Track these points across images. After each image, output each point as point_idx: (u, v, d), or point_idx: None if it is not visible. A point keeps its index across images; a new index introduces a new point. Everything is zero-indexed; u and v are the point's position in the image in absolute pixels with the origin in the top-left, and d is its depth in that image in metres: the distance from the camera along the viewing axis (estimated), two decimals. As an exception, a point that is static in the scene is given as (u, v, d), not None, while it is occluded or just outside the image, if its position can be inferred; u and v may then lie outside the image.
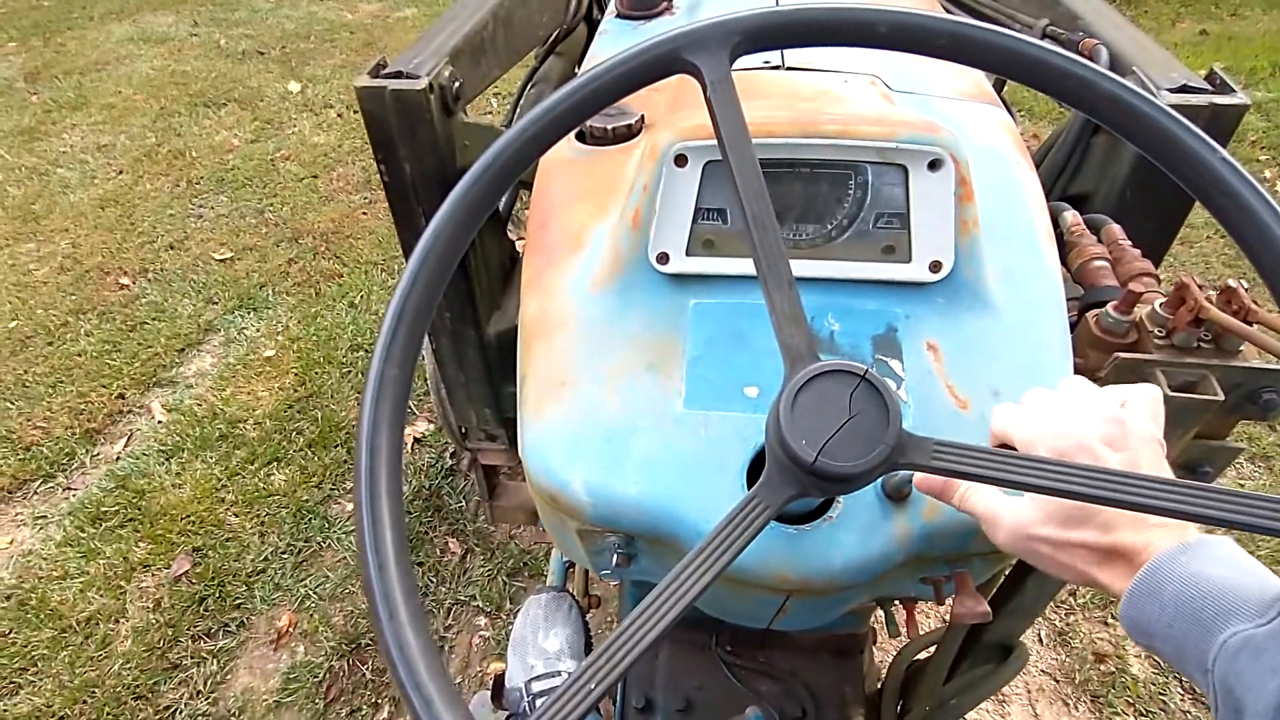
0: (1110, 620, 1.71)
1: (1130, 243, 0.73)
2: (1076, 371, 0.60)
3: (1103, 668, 1.62)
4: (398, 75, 0.85)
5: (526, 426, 0.61)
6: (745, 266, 0.62)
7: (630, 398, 0.59)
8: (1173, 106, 0.73)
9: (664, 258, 0.62)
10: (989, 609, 0.58)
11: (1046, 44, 0.43)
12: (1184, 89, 0.75)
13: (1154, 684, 1.60)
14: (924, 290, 0.62)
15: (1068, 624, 1.70)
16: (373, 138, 0.86)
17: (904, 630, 0.79)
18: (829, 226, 0.62)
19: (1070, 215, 0.78)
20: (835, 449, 0.36)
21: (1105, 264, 0.71)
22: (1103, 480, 0.35)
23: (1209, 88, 0.76)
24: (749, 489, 0.55)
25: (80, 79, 3.99)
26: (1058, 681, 1.61)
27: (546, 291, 0.65)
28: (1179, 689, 1.60)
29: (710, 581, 0.36)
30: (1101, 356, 0.62)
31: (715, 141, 0.57)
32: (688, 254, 0.62)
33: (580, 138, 0.77)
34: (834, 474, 0.36)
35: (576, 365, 0.61)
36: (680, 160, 0.59)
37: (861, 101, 0.71)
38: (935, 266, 0.61)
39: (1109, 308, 0.62)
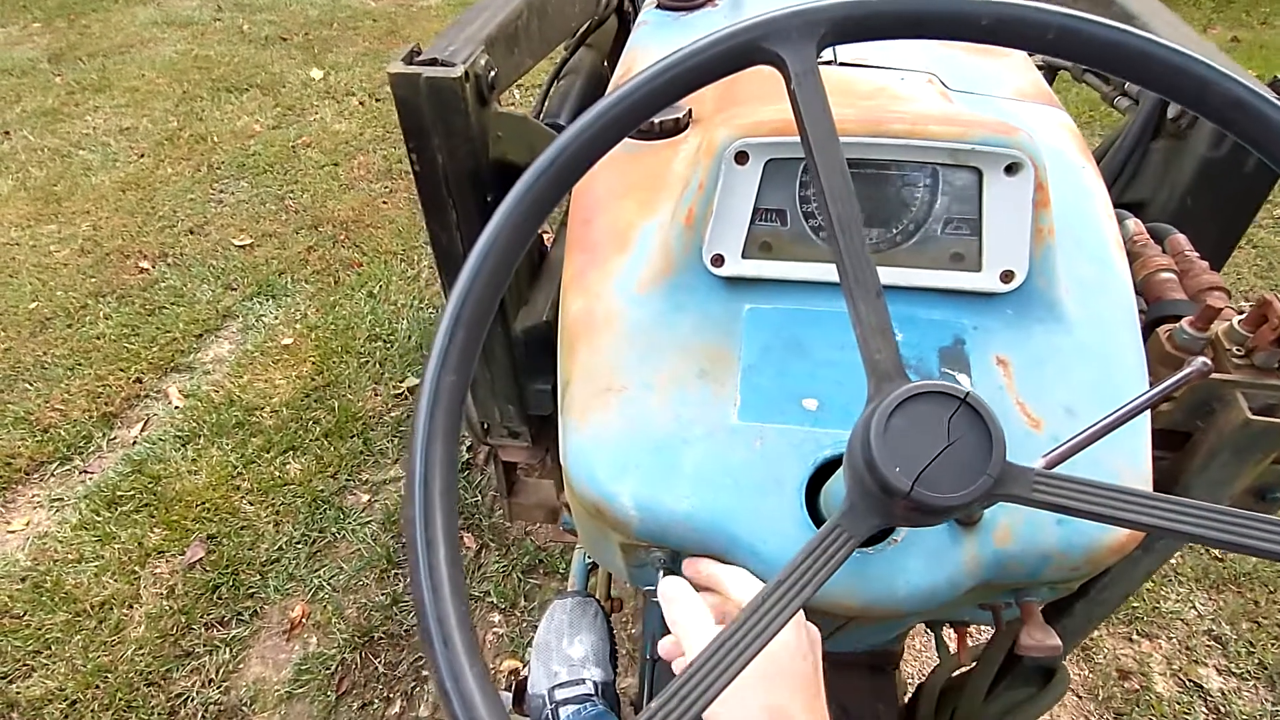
0: (1134, 637, 1.67)
1: (1197, 255, 0.70)
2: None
3: (1126, 685, 1.59)
4: (433, 62, 0.82)
5: (570, 433, 0.58)
6: (804, 271, 0.59)
7: (681, 407, 0.56)
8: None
9: (718, 260, 0.59)
10: (1060, 642, 0.56)
11: (1176, 44, 0.39)
12: None
13: (1179, 702, 1.57)
14: (993, 301, 0.59)
15: (1091, 639, 1.67)
16: (405, 126, 0.84)
17: (956, 654, 0.76)
18: (894, 231, 0.59)
19: (1133, 224, 0.75)
20: (932, 478, 0.34)
21: (1172, 276, 0.67)
22: (1222, 520, 0.33)
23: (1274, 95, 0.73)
24: (806, 508, 0.53)
25: (104, 61, 4.00)
26: (1080, 698, 1.57)
27: (591, 291, 0.63)
28: (1203, 708, 1.57)
29: (788, 618, 0.33)
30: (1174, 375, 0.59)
31: (778, 139, 0.54)
32: (744, 256, 0.59)
33: None
34: (931, 505, 0.34)
35: (624, 370, 0.58)
36: (741, 158, 0.56)
37: (925, 100, 0.67)
38: (1007, 276, 0.57)
39: (1184, 323, 0.59)
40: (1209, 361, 0.42)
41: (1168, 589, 1.76)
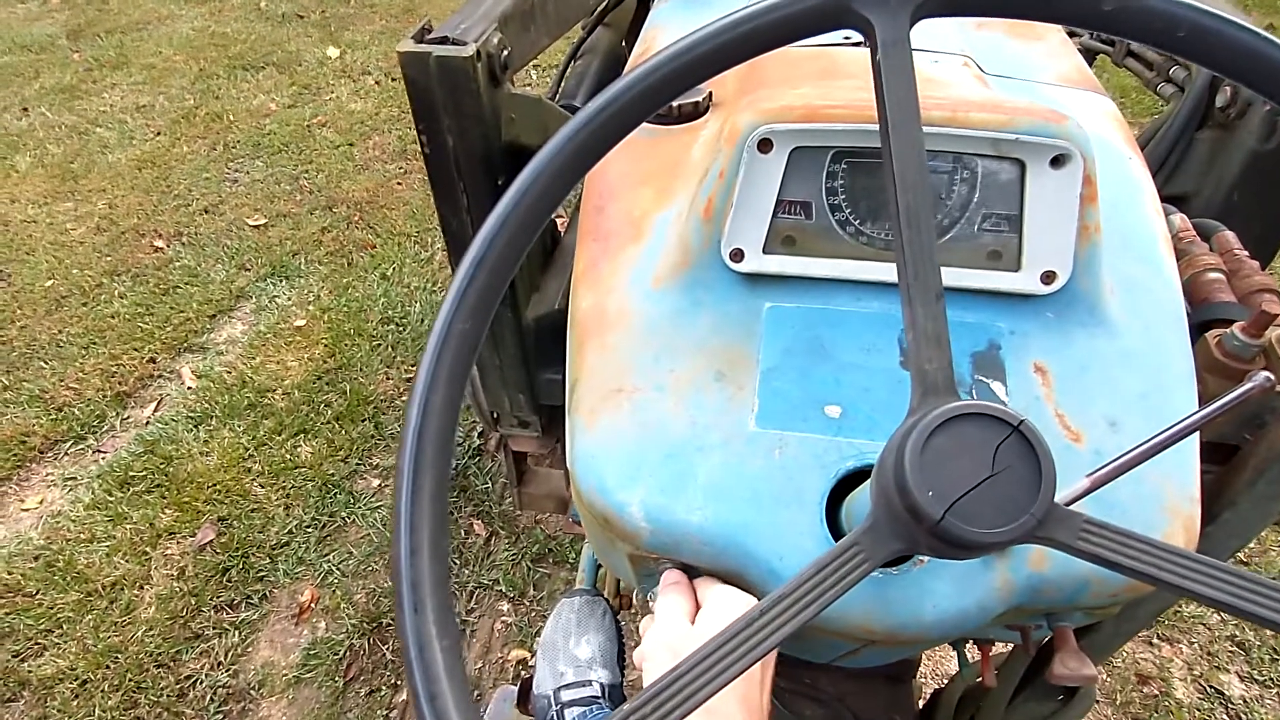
0: (1155, 641, 1.64)
1: (1247, 253, 0.65)
2: (1198, 399, 0.53)
3: (1145, 690, 1.55)
4: (443, 41, 0.79)
5: (577, 436, 0.55)
6: (829, 269, 0.56)
7: (696, 411, 0.53)
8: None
9: (738, 254, 0.55)
10: (1095, 672, 0.52)
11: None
12: None
13: (1199, 709, 1.53)
14: (1032, 303, 0.55)
15: (1111, 642, 1.63)
16: (414, 107, 0.81)
17: (980, 673, 0.72)
18: None
19: (1178, 219, 0.70)
20: (968, 509, 0.30)
21: (1220, 276, 0.63)
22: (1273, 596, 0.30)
23: None
24: (827, 524, 0.50)
25: (122, 38, 3.99)
26: (1098, 702, 1.54)
27: (603, 285, 0.59)
28: (1224, 715, 1.53)
29: (785, 637, 0.30)
30: (1223, 384, 0.55)
31: (805, 125, 0.50)
32: (765, 251, 0.55)
33: None
34: (962, 539, 0.30)
35: (636, 370, 0.55)
36: (765, 146, 0.52)
37: (962, 85, 0.63)
38: (1049, 277, 0.53)
39: (1235, 329, 0.55)
40: (1271, 376, 0.38)
41: (1191, 592, 1.72)
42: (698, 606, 0.50)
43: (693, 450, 0.52)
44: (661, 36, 0.89)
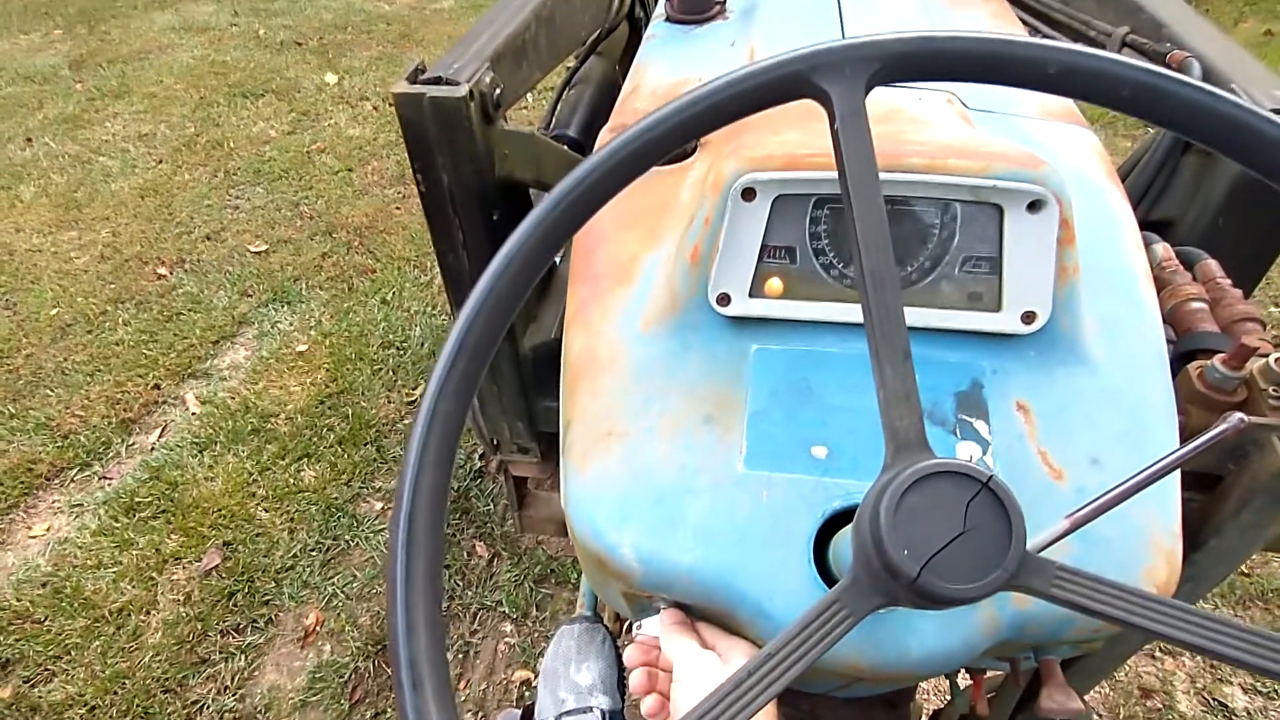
0: (1157, 654, 1.64)
1: (1229, 281, 0.67)
2: (1179, 431, 0.54)
3: (1149, 703, 1.55)
4: (437, 81, 0.81)
5: (571, 479, 0.56)
6: (814, 311, 0.57)
7: (686, 454, 0.54)
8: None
9: (725, 299, 0.57)
10: (1082, 705, 0.53)
11: (1264, 111, 0.36)
12: None
13: (1203, 721, 1.54)
14: (1014, 342, 0.56)
15: (1113, 653, 1.64)
16: (410, 146, 0.83)
17: (972, 703, 0.73)
18: (909, 269, 0.56)
19: (1161, 248, 0.71)
20: (942, 565, 0.32)
21: (1203, 306, 0.64)
22: (1248, 641, 0.31)
23: None
24: (815, 564, 0.51)
25: (124, 67, 4.04)
26: (1100, 717, 1.54)
27: (594, 328, 0.61)
28: (1230, 726, 1.53)
29: (775, 694, 0.32)
30: (1205, 415, 0.56)
31: (787, 174, 0.52)
32: (751, 295, 0.57)
33: None
34: (937, 594, 0.32)
35: (627, 413, 0.56)
36: (748, 194, 0.54)
37: (944, 126, 0.64)
38: (1029, 317, 0.55)
39: (1217, 361, 0.56)
40: (1244, 417, 0.39)
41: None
42: (703, 643, 0.51)
43: (683, 492, 0.53)
44: (651, 72, 0.91)
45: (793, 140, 0.51)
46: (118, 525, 1.90)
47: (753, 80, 0.38)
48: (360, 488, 1.98)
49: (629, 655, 0.57)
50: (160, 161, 3.27)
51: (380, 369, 2.28)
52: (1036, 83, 0.38)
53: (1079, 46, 0.38)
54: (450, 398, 0.37)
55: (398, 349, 2.35)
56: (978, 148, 0.54)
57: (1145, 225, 0.85)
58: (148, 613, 1.74)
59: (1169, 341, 0.66)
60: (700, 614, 0.55)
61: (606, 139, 0.79)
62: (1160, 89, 0.36)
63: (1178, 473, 0.53)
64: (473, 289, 0.38)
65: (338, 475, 2.00)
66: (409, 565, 0.34)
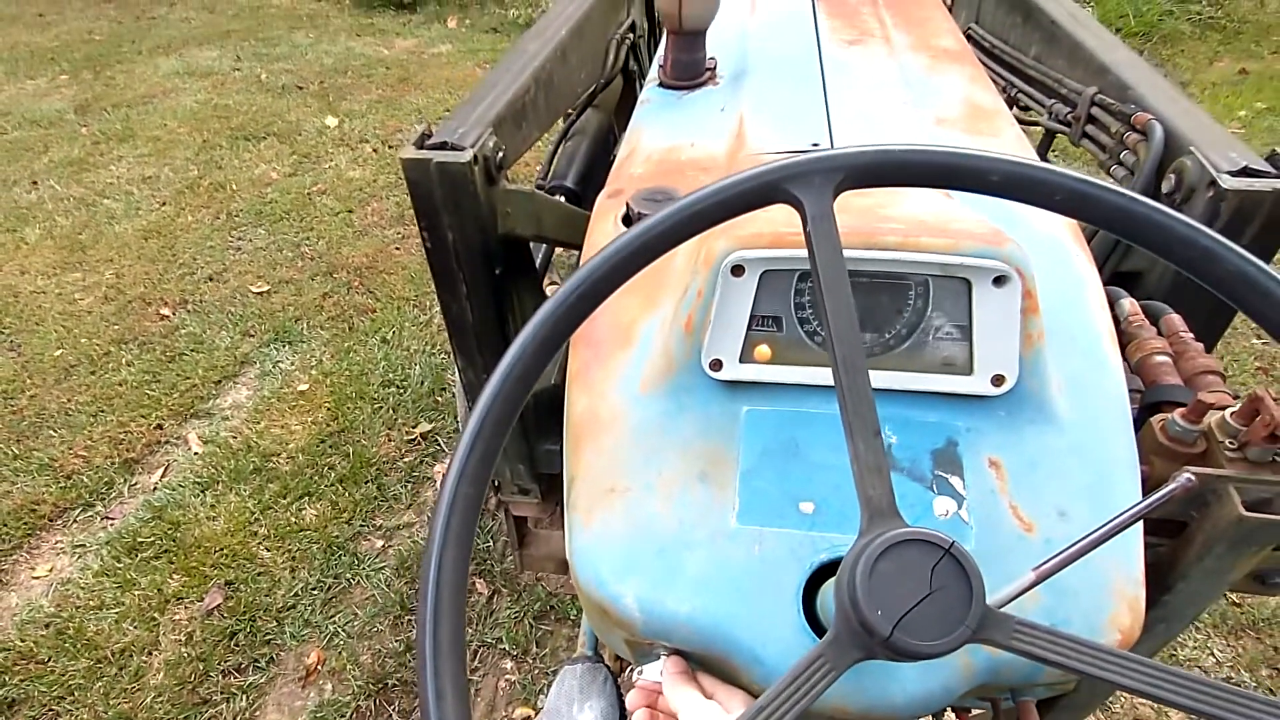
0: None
1: (1192, 335, 0.71)
2: (1143, 481, 0.58)
3: (1142, 732, 1.58)
4: (442, 146, 0.86)
5: (575, 533, 0.60)
6: (800, 375, 0.62)
7: (683, 510, 0.58)
8: (1233, 192, 0.72)
9: (717, 364, 0.61)
10: None
11: (1185, 217, 0.41)
12: (1245, 172, 0.72)
13: (1195, 749, 1.55)
14: (985, 403, 0.60)
15: (1105, 684, 1.65)
16: (417, 207, 0.88)
17: None
18: (887, 336, 0.61)
19: (1128, 304, 0.76)
20: (912, 624, 0.36)
21: (1167, 359, 0.69)
22: (1200, 692, 0.35)
23: (1272, 170, 0.73)
24: (804, 613, 0.55)
25: (128, 111, 4.13)
26: (1095, 745, 1.56)
27: (595, 390, 0.65)
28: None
29: None
30: (1168, 466, 0.60)
31: (773, 252, 0.57)
32: (741, 361, 0.61)
33: (626, 221, 0.78)
34: (908, 650, 0.36)
35: (628, 470, 0.60)
36: (737, 270, 0.58)
37: (919, 197, 0.68)
38: (998, 380, 0.59)
39: (1177, 415, 0.60)
40: (1193, 476, 0.43)
41: (1185, 635, 1.75)
42: (704, 693, 0.55)
43: (681, 546, 0.57)
44: (645, 137, 0.96)
45: (778, 219, 0.56)
46: (120, 565, 1.92)
47: (735, 189, 0.43)
48: (361, 525, 2.00)
49: (631, 699, 0.60)
50: (164, 204, 3.34)
51: (381, 407, 2.32)
52: (982, 188, 0.43)
53: (1017, 157, 0.43)
54: (470, 482, 0.41)
55: (398, 387, 2.39)
56: (947, 224, 0.59)
57: (1114, 278, 0.90)
58: (150, 653, 1.75)
59: (1136, 392, 0.70)
60: (699, 660, 0.58)
61: (604, 205, 0.84)
62: (1089, 194, 0.42)
63: (1140, 523, 0.57)
64: (487, 383, 0.43)
65: (339, 513, 2.02)
66: (436, 636, 0.37)
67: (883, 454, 0.40)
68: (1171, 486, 0.42)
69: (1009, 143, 0.90)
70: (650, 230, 0.44)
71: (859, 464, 0.40)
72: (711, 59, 1.08)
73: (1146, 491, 0.57)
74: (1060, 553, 0.42)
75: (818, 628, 0.54)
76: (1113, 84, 1.02)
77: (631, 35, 1.61)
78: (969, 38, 1.50)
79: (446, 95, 4.27)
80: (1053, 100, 1.20)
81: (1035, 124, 1.26)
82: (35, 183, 3.50)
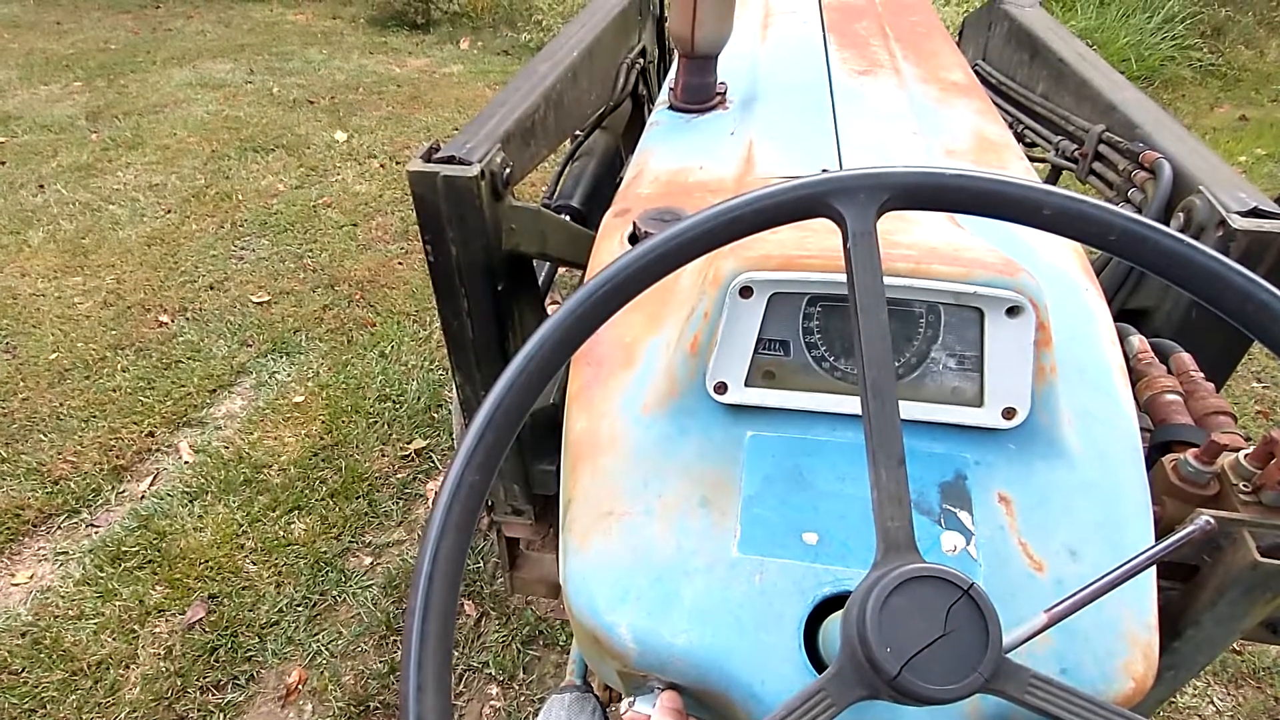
0: (1160, 713, 1.63)
1: (1202, 374, 0.70)
2: (1155, 522, 0.56)
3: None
4: (450, 160, 0.86)
5: (570, 557, 0.58)
6: (806, 401, 0.60)
7: (682, 536, 0.56)
8: (1243, 233, 0.71)
9: (722, 387, 0.60)
10: None
11: (1235, 264, 0.39)
12: (1255, 213, 0.72)
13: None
14: (995, 436, 0.59)
15: None
16: (421, 221, 0.87)
17: None
18: (897, 364, 0.59)
19: (1137, 341, 0.75)
20: (922, 665, 0.34)
21: (1178, 398, 0.67)
22: None
23: None
24: (805, 648, 0.53)
25: (139, 120, 4.15)
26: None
27: (596, 410, 0.64)
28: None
29: None
30: (1181, 507, 0.58)
31: (783, 274, 0.56)
32: (747, 384, 0.60)
33: (633, 240, 0.77)
34: (915, 693, 0.34)
35: (626, 494, 0.59)
36: (745, 292, 0.57)
37: (931, 226, 0.68)
38: (1009, 413, 0.57)
39: (1189, 456, 0.59)
40: (1211, 519, 0.41)
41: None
42: None
43: (679, 574, 0.55)
44: (654, 159, 0.96)
45: (789, 241, 0.55)
46: (102, 575, 1.88)
47: (777, 198, 0.42)
48: (350, 541, 1.97)
49: None
50: (169, 211, 3.34)
51: (376, 422, 2.30)
52: (1031, 221, 0.42)
53: (1071, 193, 0.42)
54: (475, 470, 0.39)
55: (394, 403, 2.37)
56: (960, 253, 0.57)
57: (1122, 314, 0.89)
58: (127, 667, 1.71)
59: (1146, 430, 0.69)
60: (694, 695, 0.56)
61: (611, 223, 0.84)
62: (1146, 238, 0.40)
63: (1153, 567, 0.55)
64: (508, 366, 0.41)
65: (328, 529, 1.99)
66: (423, 628, 0.35)
67: (905, 484, 0.38)
68: (1190, 529, 0.41)
69: (1019, 176, 0.90)
70: (686, 232, 0.42)
71: (879, 492, 0.38)
72: (722, 84, 1.08)
73: (1158, 533, 0.55)
74: (1074, 594, 0.40)
75: (819, 665, 0.52)
76: (1120, 122, 1.03)
77: (642, 60, 1.62)
78: (976, 73, 1.50)
79: (456, 114, 4.31)
80: (1059, 137, 1.20)
81: (1042, 160, 1.26)
82: (42, 186, 3.51)
